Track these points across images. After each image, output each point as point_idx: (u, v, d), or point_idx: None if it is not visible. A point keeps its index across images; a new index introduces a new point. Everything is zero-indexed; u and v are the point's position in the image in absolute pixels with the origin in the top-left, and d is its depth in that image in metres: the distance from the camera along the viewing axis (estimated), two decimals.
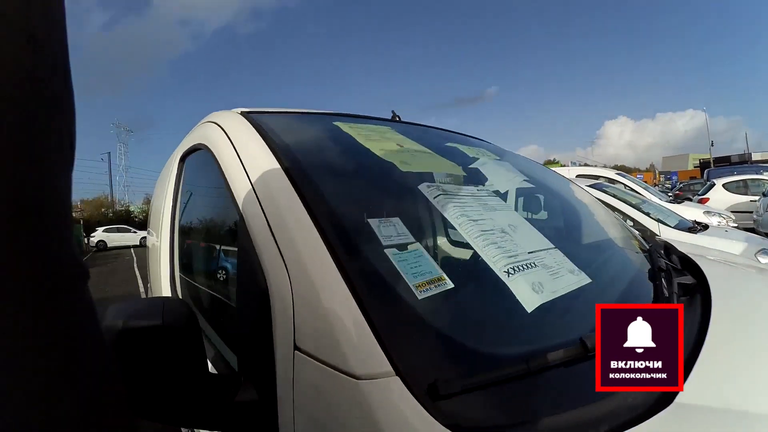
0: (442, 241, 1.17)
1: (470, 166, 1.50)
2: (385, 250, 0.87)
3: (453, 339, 0.81)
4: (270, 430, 0.79)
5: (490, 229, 1.03)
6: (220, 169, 1.15)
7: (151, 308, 0.77)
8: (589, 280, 1.04)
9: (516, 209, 3.26)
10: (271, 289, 0.84)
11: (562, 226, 1.83)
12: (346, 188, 1.15)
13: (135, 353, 0.73)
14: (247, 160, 1.08)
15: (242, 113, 1.31)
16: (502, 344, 0.85)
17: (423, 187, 1.12)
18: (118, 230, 29.28)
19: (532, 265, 0.97)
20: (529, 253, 1.01)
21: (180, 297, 1.66)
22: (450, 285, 0.85)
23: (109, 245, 27.45)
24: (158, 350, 0.74)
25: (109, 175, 55.98)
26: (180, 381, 0.77)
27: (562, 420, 0.68)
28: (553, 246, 1.11)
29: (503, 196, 1.34)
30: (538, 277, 0.93)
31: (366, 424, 0.64)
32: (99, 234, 28.38)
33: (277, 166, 1.01)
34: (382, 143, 1.30)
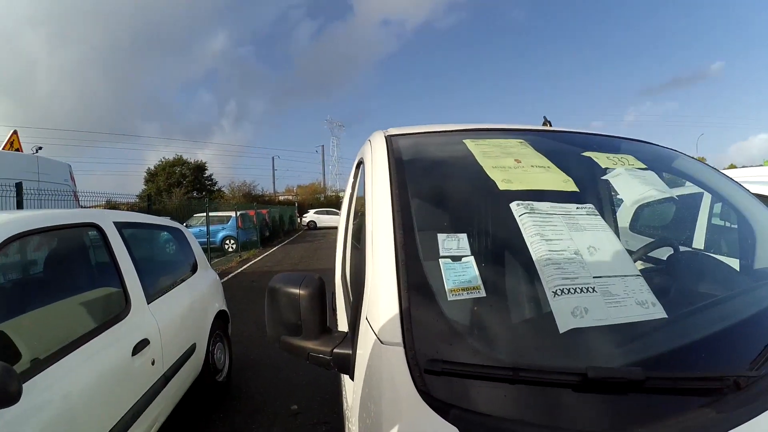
0: (513, 256, 1.27)
1: (602, 178, 1.52)
2: (440, 260, 1.11)
3: (460, 333, 1.03)
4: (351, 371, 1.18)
5: (561, 250, 1.11)
6: (365, 180, 1.48)
7: (294, 279, 1.20)
8: (662, 315, 1.04)
9: (711, 217, 2.97)
10: (366, 275, 1.18)
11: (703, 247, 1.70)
12: (438, 205, 1.40)
13: (279, 305, 1.19)
14: (375, 177, 1.41)
15: (387, 135, 1.65)
16: (506, 351, 1.02)
17: (513, 205, 1.23)
18: (327, 213, 33.70)
19: (589, 290, 1.03)
20: (594, 277, 1.06)
21: (341, 274, 2.20)
22: (482, 294, 1.06)
23: (318, 225, 32.23)
24: (294, 306, 1.17)
25: (322, 164, 63.48)
26: (304, 329, 1.18)
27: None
28: (636, 273, 1.12)
29: (610, 213, 1.35)
30: (586, 303, 1.00)
31: (379, 372, 0.98)
32: (310, 215, 33.79)
33: (387, 185, 1.32)
34: (499, 160, 1.43)
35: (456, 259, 1.12)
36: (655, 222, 3.64)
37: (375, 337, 1.03)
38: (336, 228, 3.47)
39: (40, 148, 8.37)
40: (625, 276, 1.10)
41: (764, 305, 1.32)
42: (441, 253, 1.13)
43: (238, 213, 17.26)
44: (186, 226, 15.52)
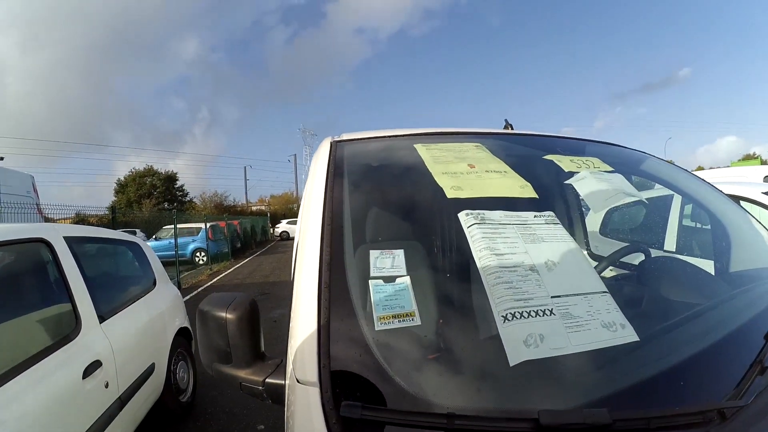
0: (458, 275, 1.12)
1: (565, 182, 1.39)
2: (369, 281, 0.95)
3: (386, 371, 0.84)
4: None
5: (514, 266, 0.96)
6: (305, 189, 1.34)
7: (222, 300, 1.06)
8: (632, 338, 0.88)
9: (681, 218, 2.89)
10: (293, 300, 1.02)
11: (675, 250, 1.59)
12: (377, 217, 1.24)
13: (208, 330, 1.05)
14: (312, 187, 1.25)
15: (333, 141, 1.50)
16: (442, 392, 0.84)
17: (462, 215, 1.09)
18: None
19: (546, 312, 0.88)
20: (552, 297, 0.91)
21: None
22: (417, 323, 0.89)
23: (291, 235, 31.69)
24: (222, 331, 1.03)
25: (294, 174, 63.54)
26: (233, 356, 1.04)
27: None
28: (602, 290, 0.97)
29: (579, 219, 1.21)
30: (542, 328, 0.84)
31: (293, 416, 0.84)
32: (283, 225, 33.87)
33: (321, 194, 1.17)
34: (450, 165, 1.28)
35: (388, 280, 0.95)
36: (626, 225, 3.57)
37: (293, 372, 0.88)
38: None
39: (2, 158, 8.03)
40: (589, 294, 0.95)
41: (744, 319, 1.19)
42: (372, 273, 0.97)
43: (209, 224, 16.78)
44: (155, 238, 15.37)
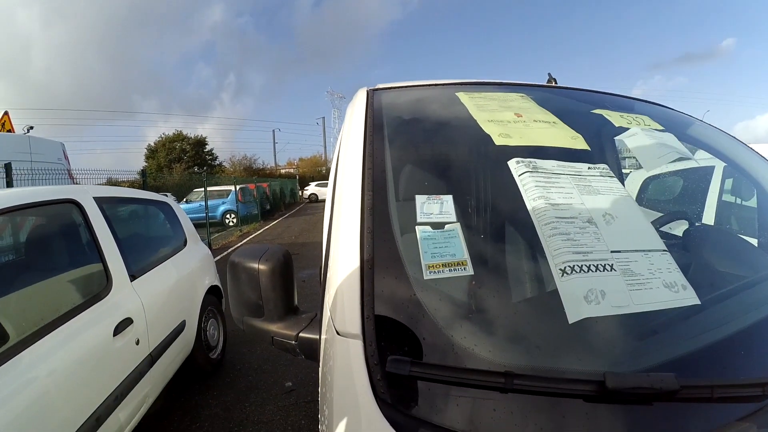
0: (509, 225, 1.03)
1: (616, 138, 1.28)
2: (416, 227, 0.86)
3: (437, 324, 0.77)
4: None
5: (570, 217, 0.86)
6: (341, 140, 1.27)
7: (255, 252, 1.02)
8: (694, 302, 0.79)
9: (722, 192, 2.74)
10: (330, 248, 0.97)
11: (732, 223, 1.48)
12: (420, 164, 1.15)
13: (239, 282, 1.01)
14: (348, 135, 1.17)
15: (369, 90, 1.39)
16: (497, 349, 0.74)
17: (512, 163, 0.99)
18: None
19: (607, 267, 0.79)
20: (612, 252, 0.82)
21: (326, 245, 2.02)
22: (469, 272, 0.80)
23: (320, 197, 31.89)
24: (254, 283, 0.98)
25: (323, 137, 63.23)
26: (265, 309, 1.00)
27: None
28: (662, 248, 0.88)
29: (634, 176, 1.11)
30: (603, 284, 0.75)
31: (332, 370, 0.77)
32: (311, 188, 33.79)
33: (361, 142, 1.08)
34: (496, 113, 1.18)
35: (437, 226, 0.86)
36: (663, 196, 3.42)
37: (332, 324, 0.81)
38: None
39: (32, 127, 8.12)
40: (649, 251, 0.86)
41: None
42: (418, 219, 0.88)
43: (238, 187, 16.77)
44: (186, 201, 15.55)
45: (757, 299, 1.04)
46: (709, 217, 2.85)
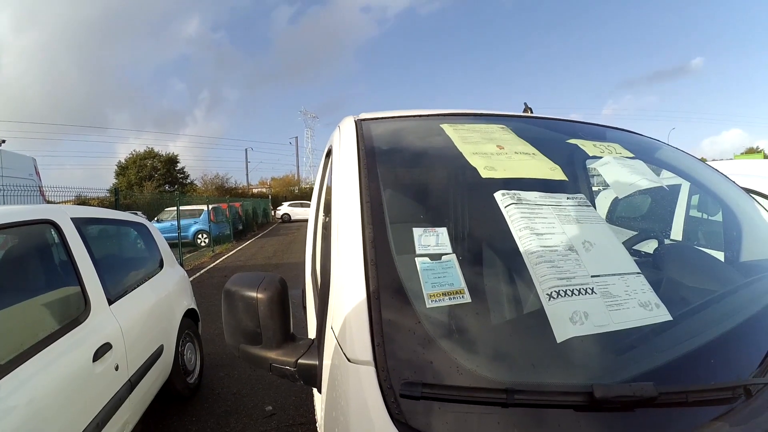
0: (499, 253, 1.12)
1: (590, 166, 1.40)
2: (416, 258, 0.94)
3: (441, 348, 0.84)
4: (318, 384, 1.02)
5: (554, 245, 0.96)
6: (333, 169, 1.32)
7: (252, 280, 1.05)
8: (666, 318, 0.90)
9: (688, 209, 2.90)
10: (330, 276, 1.01)
11: (695, 239, 1.60)
12: (413, 195, 1.22)
13: (236, 310, 1.03)
14: (342, 165, 1.24)
15: (357, 120, 1.46)
16: (496, 367, 0.84)
17: (498, 195, 1.08)
18: (302, 205, 32.94)
19: (588, 291, 0.89)
20: (592, 276, 0.92)
21: (311, 270, 2.02)
22: (467, 300, 0.88)
23: (293, 218, 31.56)
24: (252, 312, 1.01)
25: (296, 156, 63.39)
26: (264, 336, 1.03)
27: None
28: (636, 271, 0.99)
29: (607, 203, 1.22)
30: (586, 306, 0.85)
31: (346, 396, 0.81)
32: (284, 208, 33.00)
33: (356, 173, 1.14)
34: (480, 146, 1.27)
35: (435, 257, 0.94)
36: (633, 213, 3.58)
37: (341, 352, 0.86)
38: None
39: (3, 141, 7.95)
40: (625, 274, 0.96)
41: (764, 303, 1.21)
42: (417, 251, 0.96)
43: (210, 206, 16.64)
44: (157, 220, 15.27)
45: (724, 312, 1.16)
46: (677, 233, 3.02)
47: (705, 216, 2.92)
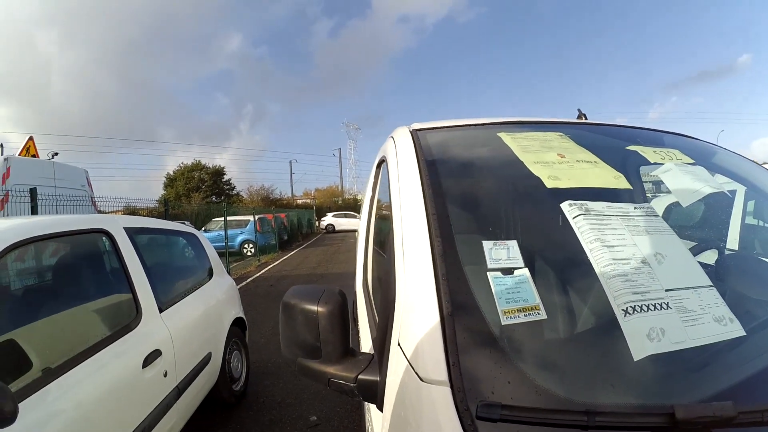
0: (569, 267, 1.09)
1: (651, 174, 1.35)
2: (488, 273, 0.92)
3: (518, 368, 0.82)
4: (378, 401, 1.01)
5: (626, 258, 0.94)
6: (389, 181, 1.32)
7: (312, 293, 1.04)
8: (740, 333, 0.87)
9: (744, 216, 2.79)
10: (395, 291, 1.01)
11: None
12: (477, 207, 1.20)
13: (295, 324, 1.02)
14: (402, 177, 1.23)
15: (412, 130, 1.46)
16: (574, 387, 0.81)
17: (565, 206, 1.06)
18: (345, 216, 33.48)
19: (664, 306, 0.86)
20: (666, 290, 0.89)
21: (362, 282, 2.01)
22: (543, 316, 0.86)
23: (336, 228, 32.05)
24: (312, 325, 1.01)
25: (339, 167, 64.03)
26: (323, 351, 1.02)
27: None
28: (709, 284, 0.95)
29: (677, 213, 1.18)
30: (662, 322, 0.83)
31: (418, 416, 0.80)
32: (328, 218, 33.65)
33: (418, 185, 1.14)
34: (540, 154, 1.26)
35: (507, 272, 0.93)
36: (686, 222, 3.45)
37: (412, 370, 0.85)
38: (354, 231, 3.30)
39: (56, 153, 8.36)
40: (698, 287, 0.93)
41: None
42: (489, 265, 0.94)
43: (257, 217, 17.06)
44: (204, 230, 15.69)
45: None
46: (733, 241, 2.89)
47: (762, 223, 2.79)
